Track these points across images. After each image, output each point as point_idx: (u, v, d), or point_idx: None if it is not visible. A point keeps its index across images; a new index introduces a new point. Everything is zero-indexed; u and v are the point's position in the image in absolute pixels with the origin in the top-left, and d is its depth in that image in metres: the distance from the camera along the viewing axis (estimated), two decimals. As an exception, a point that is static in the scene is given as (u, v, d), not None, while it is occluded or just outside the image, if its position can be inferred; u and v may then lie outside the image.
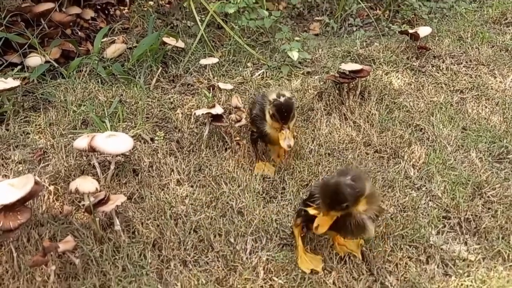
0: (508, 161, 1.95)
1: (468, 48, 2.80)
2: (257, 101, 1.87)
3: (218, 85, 2.27)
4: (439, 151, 1.98)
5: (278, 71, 2.62)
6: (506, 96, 2.37)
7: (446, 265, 1.52)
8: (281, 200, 1.77)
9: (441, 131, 2.10)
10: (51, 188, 1.77)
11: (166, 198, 1.75)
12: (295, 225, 1.54)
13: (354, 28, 3.21)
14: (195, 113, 2.06)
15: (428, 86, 2.46)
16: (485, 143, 2.03)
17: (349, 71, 2.33)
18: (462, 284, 1.46)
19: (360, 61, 2.66)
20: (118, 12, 3.33)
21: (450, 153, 1.98)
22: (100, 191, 1.60)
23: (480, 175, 1.84)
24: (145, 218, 1.67)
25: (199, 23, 2.76)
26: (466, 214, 1.69)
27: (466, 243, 1.61)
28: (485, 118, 2.19)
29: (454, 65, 2.65)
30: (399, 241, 1.59)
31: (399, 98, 2.35)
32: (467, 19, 3.13)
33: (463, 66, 2.65)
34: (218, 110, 2.01)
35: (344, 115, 2.22)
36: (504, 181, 1.84)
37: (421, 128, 2.15)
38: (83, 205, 1.62)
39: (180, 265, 1.52)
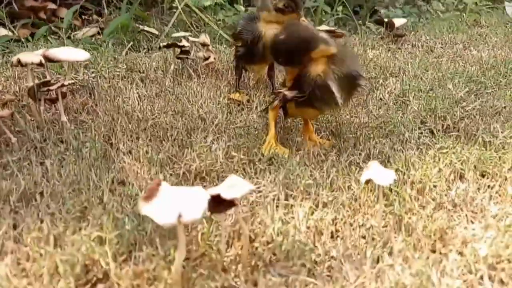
0: (487, 94, 1.85)
1: (444, 36, 2.81)
2: (242, 18, 1.77)
3: (188, 37, 2.21)
4: (415, 83, 1.89)
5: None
6: (482, 60, 2.32)
7: (426, 150, 1.38)
8: (248, 111, 1.64)
9: (417, 74, 2.03)
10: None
11: (123, 107, 1.62)
12: (271, 108, 1.41)
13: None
14: (159, 45, 1.98)
15: (404, 54, 2.43)
16: (462, 79, 1.95)
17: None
18: (443, 147, 1.31)
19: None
20: (94, 17, 3.33)
21: (427, 84, 1.89)
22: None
23: (458, 94, 1.75)
24: (97, 121, 1.52)
25: (177, 2, 2.75)
26: (444, 121, 1.57)
27: (445, 142, 1.47)
28: (461, 68, 2.13)
29: (429, 43, 2.64)
30: (372, 133, 1.46)
31: (372, 60, 2.30)
32: (443, 19, 3.18)
33: (439, 44, 2.64)
34: (185, 43, 1.93)
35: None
36: (483, 98, 1.74)
37: (396, 75, 2.07)
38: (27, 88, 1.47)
39: (131, 144, 1.36)
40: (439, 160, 1.30)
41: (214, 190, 0.92)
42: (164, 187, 0.86)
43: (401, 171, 1.24)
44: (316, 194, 1.15)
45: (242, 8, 3.00)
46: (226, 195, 0.91)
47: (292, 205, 1.12)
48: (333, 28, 2.32)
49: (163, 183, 0.86)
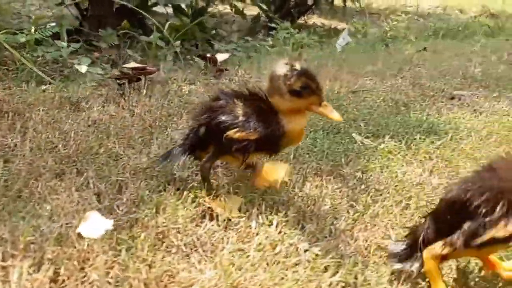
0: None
1: (263, 71, 2.92)
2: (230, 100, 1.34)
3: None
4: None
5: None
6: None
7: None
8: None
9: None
10: None
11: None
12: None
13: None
14: None
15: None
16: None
17: (132, 69, 2.26)
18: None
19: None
20: None
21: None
22: None
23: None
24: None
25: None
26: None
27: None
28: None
29: (246, 77, 2.73)
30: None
31: (188, 95, 2.30)
32: (270, 53, 3.33)
33: (255, 78, 2.73)
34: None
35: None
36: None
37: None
38: None
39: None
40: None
41: None
42: None
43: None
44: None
45: (65, 44, 2.87)
46: None
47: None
48: (143, 65, 2.31)
49: None
